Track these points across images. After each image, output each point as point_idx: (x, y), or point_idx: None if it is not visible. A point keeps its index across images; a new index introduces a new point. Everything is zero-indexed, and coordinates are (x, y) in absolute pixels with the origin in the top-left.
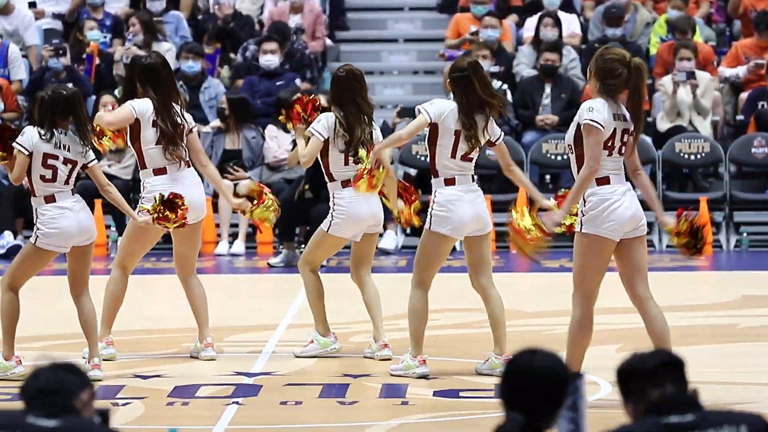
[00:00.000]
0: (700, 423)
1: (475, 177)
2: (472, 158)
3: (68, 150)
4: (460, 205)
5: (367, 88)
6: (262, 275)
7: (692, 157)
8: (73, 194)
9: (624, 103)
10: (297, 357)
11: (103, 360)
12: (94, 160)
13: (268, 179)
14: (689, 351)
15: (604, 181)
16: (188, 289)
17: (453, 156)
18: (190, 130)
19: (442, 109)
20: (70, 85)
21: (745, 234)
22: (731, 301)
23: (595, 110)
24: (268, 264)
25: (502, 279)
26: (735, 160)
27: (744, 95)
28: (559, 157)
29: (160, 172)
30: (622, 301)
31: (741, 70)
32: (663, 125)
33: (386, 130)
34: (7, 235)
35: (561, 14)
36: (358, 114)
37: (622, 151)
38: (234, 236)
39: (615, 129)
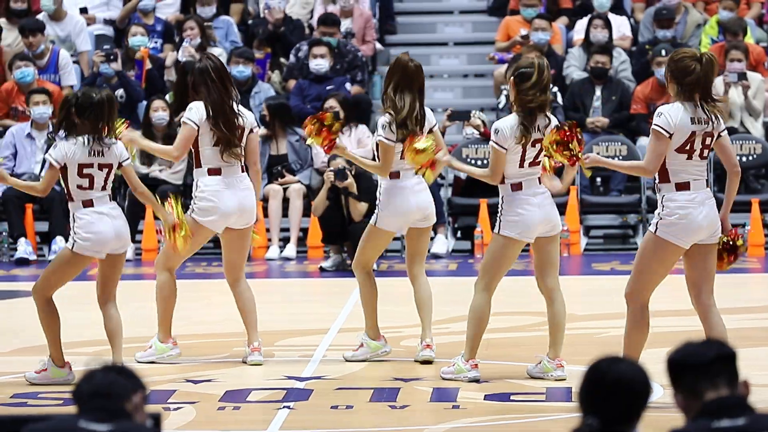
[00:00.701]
0: (753, 427)
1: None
2: (539, 161)
3: (102, 155)
4: (529, 209)
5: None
6: (313, 279)
7: (744, 159)
8: (110, 200)
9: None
10: (347, 361)
11: (166, 362)
12: (128, 159)
13: (317, 183)
14: (743, 353)
15: (683, 186)
16: (237, 294)
17: (521, 166)
18: (251, 130)
19: (506, 132)
20: (105, 88)
21: None
22: None
23: (664, 114)
24: (320, 268)
25: None
26: None
27: None
28: (610, 160)
29: (214, 172)
30: (674, 304)
31: None
32: None
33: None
34: (59, 240)
35: (611, 16)
36: (414, 104)
37: (705, 155)
38: (285, 240)
39: (693, 133)
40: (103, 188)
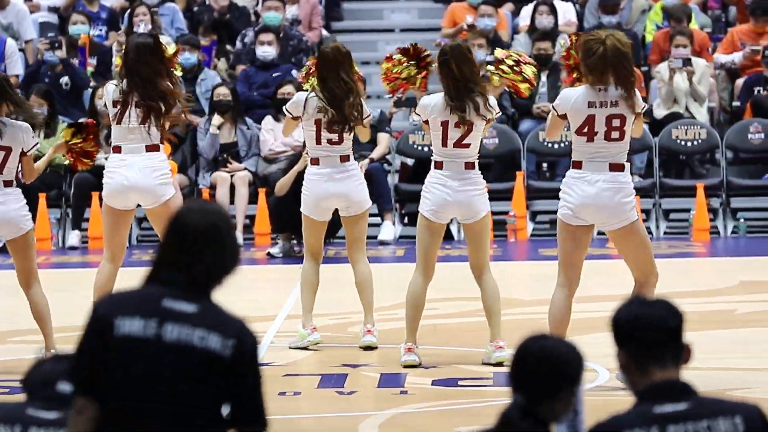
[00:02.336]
0: (694, 412)
1: (475, 164)
2: (469, 144)
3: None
4: (441, 189)
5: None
6: (260, 266)
7: (689, 144)
8: (7, 185)
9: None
10: (290, 348)
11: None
12: (33, 148)
13: (264, 171)
14: (694, 337)
15: (576, 165)
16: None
17: (444, 145)
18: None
19: (427, 103)
20: None
21: (742, 220)
22: (729, 287)
23: (560, 97)
24: (268, 254)
25: (500, 267)
26: (731, 147)
27: (740, 81)
28: (556, 145)
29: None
30: (616, 288)
31: (737, 56)
32: (659, 112)
33: (383, 120)
34: None
35: (556, 2)
36: (343, 89)
37: (614, 137)
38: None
39: (592, 116)
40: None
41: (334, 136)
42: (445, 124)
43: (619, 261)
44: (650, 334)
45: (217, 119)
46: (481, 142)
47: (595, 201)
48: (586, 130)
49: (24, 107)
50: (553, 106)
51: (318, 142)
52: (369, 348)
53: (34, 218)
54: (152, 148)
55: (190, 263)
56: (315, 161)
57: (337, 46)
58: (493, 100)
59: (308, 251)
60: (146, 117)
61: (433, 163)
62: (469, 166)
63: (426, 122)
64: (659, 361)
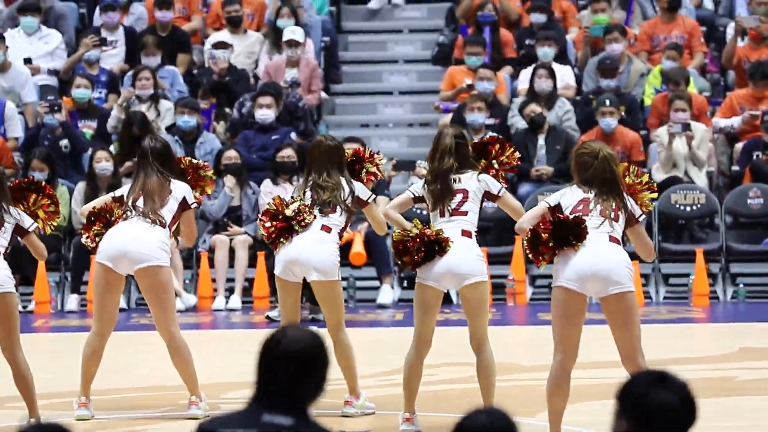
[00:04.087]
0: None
1: (470, 231)
2: (465, 212)
3: None
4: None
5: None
6: (259, 330)
7: (688, 209)
8: None
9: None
10: None
11: (79, 419)
12: (31, 226)
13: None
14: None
15: None
16: (170, 350)
17: (442, 216)
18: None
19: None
20: None
21: (741, 285)
22: (729, 353)
23: (555, 195)
24: (267, 317)
25: (498, 332)
26: (731, 211)
27: (739, 146)
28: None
29: None
30: (609, 355)
31: (736, 121)
32: (658, 176)
33: (382, 183)
34: None
35: (555, 66)
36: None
37: (604, 214)
38: (230, 291)
39: (586, 198)
40: None
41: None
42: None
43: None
44: (669, 418)
45: (230, 181)
46: (481, 207)
47: (594, 262)
48: (581, 207)
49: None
50: (546, 203)
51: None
52: (346, 416)
53: (33, 281)
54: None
55: (292, 388)
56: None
57: (321, 141)
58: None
59: (287, 318)
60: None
61: None
62: (465, 233)
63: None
64: None
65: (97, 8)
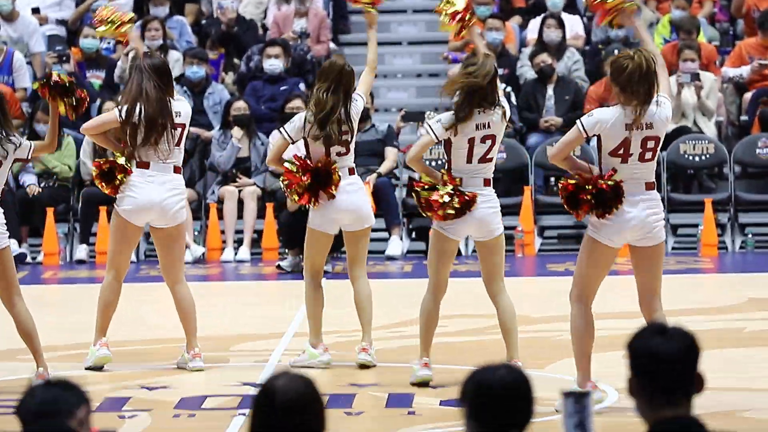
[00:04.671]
0: None
1: (491, 181)
2: (492, 158)
3: None
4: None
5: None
6: (268, 282)
7: (697, 159)
8: None
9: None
10: (292, 366)
11: (99, 362)
12: (30, 150)
13: (272, 185)
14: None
15: None
16: (175, 298)
17: (469, 162)
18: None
19: (448, 121)
20: None
21: (750, 235)
22: (737, 304)
23: (594, 116)
24: (277, 266)
25: (508, 283)
26: (740, 161)
27: (748, 95)
28: None
29: (142, 165)
30: (622, 306)
31: (745, 70)
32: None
33: (391, 134)
34: (12, 243)
35: (564, 16)
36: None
37: (647, 158)
38: (239, 242)
39: (626, 139)
40: None
41: (342, 148)
42: (471, 141)
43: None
44: (665, 367)
45: (238, 132)
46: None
47: (639, 220)
48: (621, 152)
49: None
50: (580, 125)
51: (327, 155)
52: (364, 366)
53: (42, 232)
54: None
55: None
56: None
57: (337, 60)
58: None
59: (312, 269)
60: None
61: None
62: (487, 182)
63: (442, 142)
64: (671, 395)
65: None
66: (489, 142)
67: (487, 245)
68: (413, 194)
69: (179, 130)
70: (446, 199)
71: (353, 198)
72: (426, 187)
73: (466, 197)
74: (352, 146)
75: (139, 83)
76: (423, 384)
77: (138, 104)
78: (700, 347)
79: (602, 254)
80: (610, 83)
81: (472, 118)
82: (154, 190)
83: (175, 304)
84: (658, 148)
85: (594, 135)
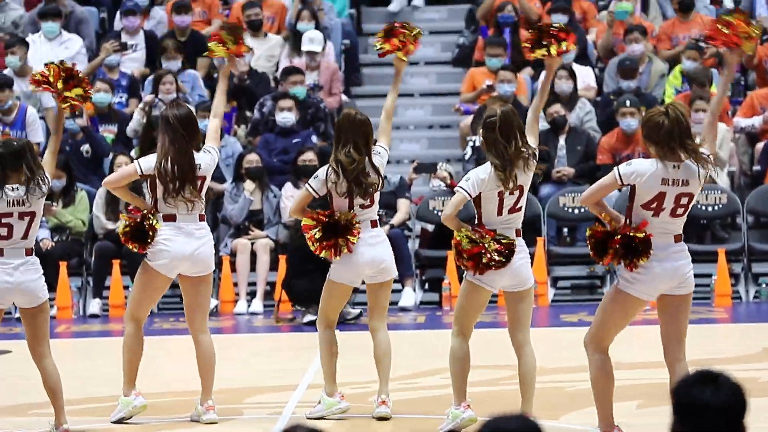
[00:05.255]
0: None
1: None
2: (521, 207)
3: (23, 204)
4: None
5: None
6: (281, 334)
7: (710, 209)
8: (29, 253)
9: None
10: (308, 418)
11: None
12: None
13: (284, 238)
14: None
15: None
16: (198, 348)
17: (500, 214)
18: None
19: (479, 178)
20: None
21: (764, 285)
22: (752, 353)
23: (633, 165)
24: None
25: None
26: (752, 211)
27: (760, 145)
28: (576, 210)
29: (169, 218)
30: (645, 356)
31: (757, 120)
32: None
33: (403, 186)
34: None
35: (576, 67)
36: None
37: (678, 213)
38: (252, 295)
39: (662, 193)
40: (24, 237)
41: (366, 200)
42: (501, 195)
43: (647, 327)
44: (714, 417)
45: (250, 185)
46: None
47: (671, 270)
48: (654, 205)
49: (36, 173)
50: (617, 172)
51: (351, 207)
52: (383, 419)
53: (55, 287)
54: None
55: None
56: None
57: (351, 112)
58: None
59: (327, 319)
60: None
61: None
62: (518, 233)
63: (474, 198)
64: None
65: (118, 12)
66: (517, 193)
67: (519, 295)
68: (455, 249)
69: (199, 182)
70: (493, 248)
71: (377, 250)
72: (467, 240)
73: (511, 245)
74: (377, 198)
75: (164, 134)
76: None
77: (164, 157)
78: (747, 398)
79: (633, 308)
80: (644, 141)
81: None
82: (186, 242)
83: (196, 353)
84: (691, 204)
85: (629, 184)
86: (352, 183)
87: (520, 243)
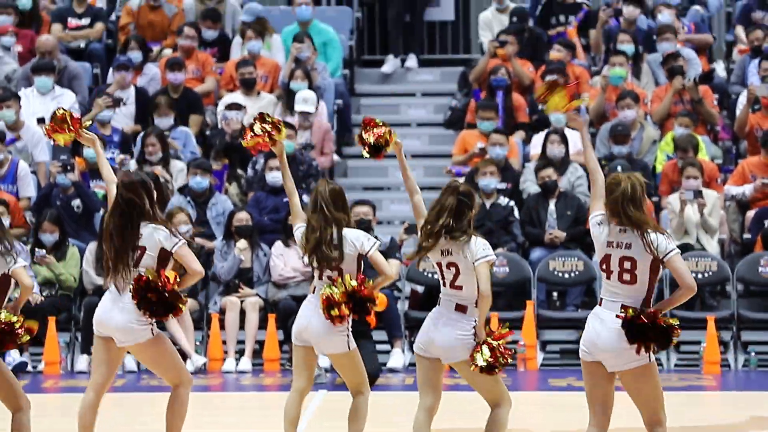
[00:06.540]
0: None
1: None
2: (460, 286)
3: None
4: (429, 327)
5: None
6: (269, 393)
7: (699, 276)
8: None
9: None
10: None
11: None
12: (15, 264)
13: (274, 296)
14: None
15: (600, 301)
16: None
17: (444, 285)
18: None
19: None
20: None
21: (753, 353)
22: (740, 422)
23: (594, 224)
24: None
25: (510, 397)
26: (742, 279)
27: (750, 213)
28: (566, 275)
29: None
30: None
31: (747, 189)
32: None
33: (393, 246)
34: (14, 352)
35: (567, 131)
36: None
37: (627, 279)
38: (240, 353)
39: (608, 255)
40: None
41: (335, 273)
42: (439, 265)
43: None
44: None
45: (242, 243)
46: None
47: (603, 342)
48: (604, 267)
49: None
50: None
51: (320, 277)
52: None
53: (43, 341)
54: None
55: None
56: (313, 290)
57: (325, 184)
58: (476, 245)
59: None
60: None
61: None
62: (456, 307)
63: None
64: None
65: (111, 68)
66: (453, 269)
67: (458, 366)
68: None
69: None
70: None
71: (308, 319)
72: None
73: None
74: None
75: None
76: None
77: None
78: None
79: (585, 370)
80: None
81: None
82: None
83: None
84: (639, 272)
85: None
86: (318, 252)
87: (462, 319)
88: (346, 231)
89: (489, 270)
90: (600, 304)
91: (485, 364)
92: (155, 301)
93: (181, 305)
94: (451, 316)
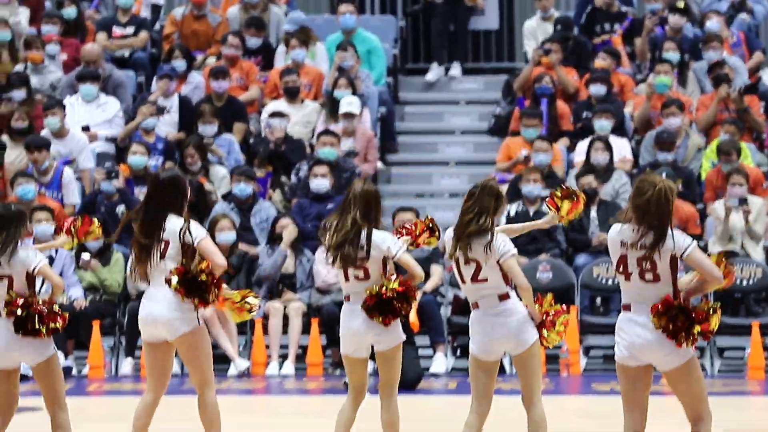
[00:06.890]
0: None
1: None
2: (485, 279)
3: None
4: (478, 328)
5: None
6: (312, 397)
7: (745, 282)
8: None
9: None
10: None
11: None
12: (38, 264)
13: (317, 302)
14: None
15: (626, 308)
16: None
17: (463, 282)
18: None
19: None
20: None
21: None
22: None
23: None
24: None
25: (552, 402)
26: None
27: None
28: (609, 281)
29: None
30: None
31: None
32: (715, 250)
33: (436, 252)
34: (59, 355)
35: (612, 138)
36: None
37: (647, 278)
38: (284, 357)
39: (624, 256)
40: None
41: (360, 272)
42: (457, 261)
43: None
44: None
45: (284, 246)
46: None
47: (650, 344)
48: (621, 269)
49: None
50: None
51: (346, 279)
52: None
53: (87, 346)
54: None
55: None
56: (347, 298)
57: (360, 184)
58: (499, 241)
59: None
60: None
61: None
62: (500, 298)
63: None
64: None
65: (155, 77)
66: (473, 264)
67: (516, 359)
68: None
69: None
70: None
71: (360, 323)
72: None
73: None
74: (372, 271)
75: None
76: None
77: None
78: None
79: (620, 374)
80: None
81: None
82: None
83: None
84: (662, 272)
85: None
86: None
87: (507, 306)
88: (375, 232)
89: (517, 263)
90: (629, 310)
91: (558, 338)
92: (199, 285)
93: (219, 291)
94: (497, 310)
